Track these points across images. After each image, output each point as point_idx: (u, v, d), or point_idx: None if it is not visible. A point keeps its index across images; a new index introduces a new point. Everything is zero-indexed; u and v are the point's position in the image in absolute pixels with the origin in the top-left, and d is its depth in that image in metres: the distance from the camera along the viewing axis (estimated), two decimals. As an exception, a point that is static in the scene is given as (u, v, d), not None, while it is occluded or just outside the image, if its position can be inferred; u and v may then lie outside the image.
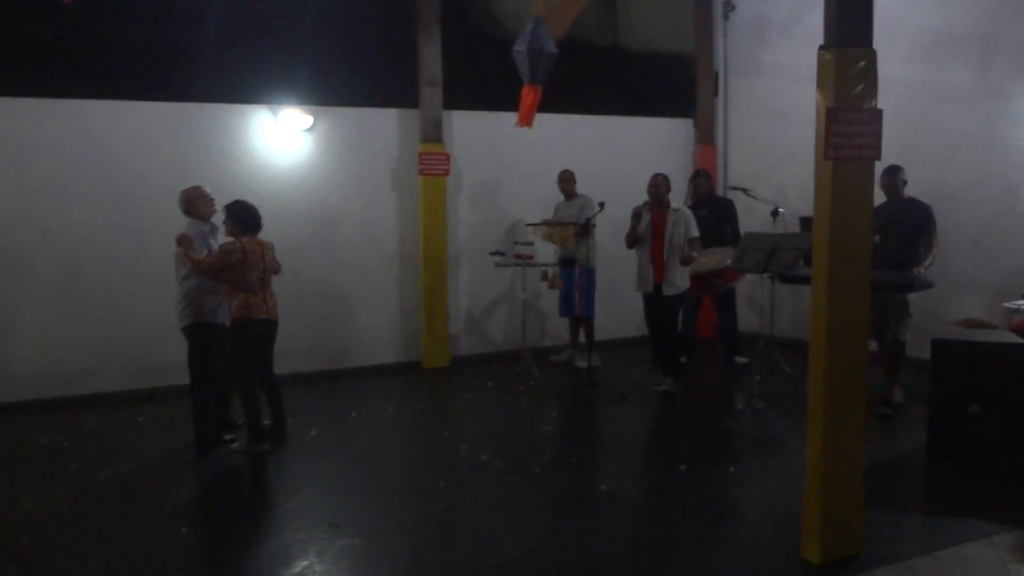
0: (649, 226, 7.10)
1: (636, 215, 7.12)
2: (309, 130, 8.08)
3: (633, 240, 7.17)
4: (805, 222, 6.80)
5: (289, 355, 8.01)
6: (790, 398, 7.09)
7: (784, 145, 9.36)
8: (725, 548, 4.42)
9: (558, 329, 9.21)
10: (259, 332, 6.11)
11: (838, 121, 3.89)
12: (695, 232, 7.05)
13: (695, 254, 7.07)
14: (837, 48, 3.92)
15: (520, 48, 6.32)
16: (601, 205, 7.48)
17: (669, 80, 9.90)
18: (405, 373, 8.48)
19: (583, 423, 7.00)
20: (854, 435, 4.15)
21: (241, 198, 6.24)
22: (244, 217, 6.12)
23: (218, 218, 6.27)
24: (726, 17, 9.81)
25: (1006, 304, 6.69)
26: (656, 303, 7.18)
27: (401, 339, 8.66)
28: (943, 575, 4.01)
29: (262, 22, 7.82)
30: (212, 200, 6.27)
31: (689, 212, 7.14)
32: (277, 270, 6.32)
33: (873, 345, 6.87)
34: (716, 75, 9.93)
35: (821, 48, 3.99)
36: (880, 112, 4.02)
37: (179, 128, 7.64)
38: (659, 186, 7.09)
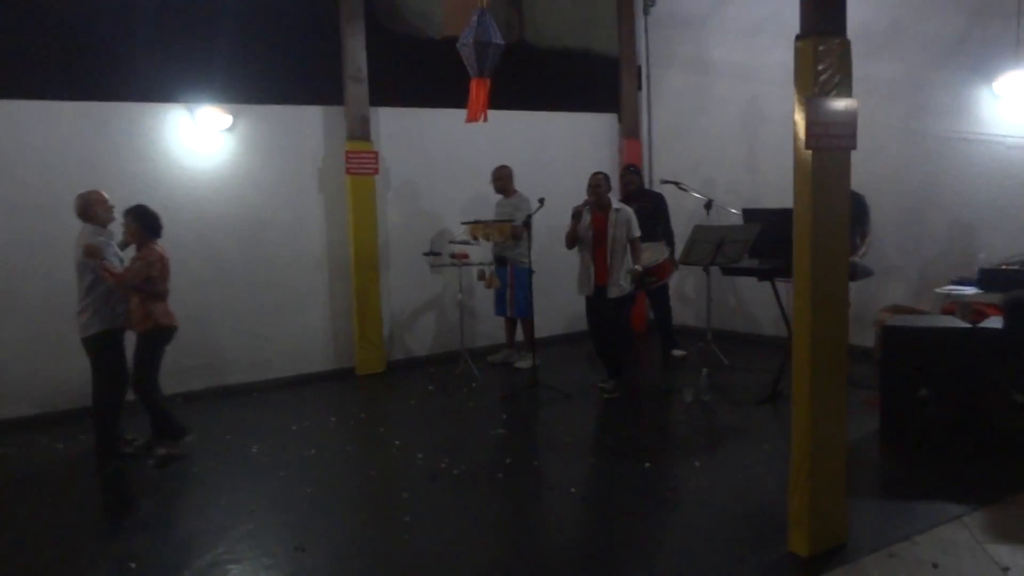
0: (590, 227, 6.96)
1: (576, 215, 6.95)
2: (229, 130, 7.63)
3: (573, 240, 7.03)
4: (749, 214, 6.85)
5: (215, 367, 7.64)
6: (735, 389, 7.16)
7: (709, 138, 9.49)
8: (710, 546, 4.35)
9: (492, 329, 9.04)
10: (170, 339, 6.05)
11: (818, 110, 3.88)
12: (637, 232, 6.93)
13: (639, 268, 6.94)
14: (814, 37, 3.89)
15: (466, 41, 6.11)
16: (541, 202, 7.35)
17: (593, 75, 9.87)
18: (339, 380, 8.14)
19: (534, 424, 6.85)
20: (837, 423, 4.16)
21: (141, 203, 5.96)
22: (152, 222, 5.92)
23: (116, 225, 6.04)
24: (647, 12, 9.85)
25: (937, 290, 6.91)
26: (599, 305, 7.04)
27: (333, 345, 8.32)
28: (926, 559, 4.05)
29: (177, 15, 7.33)
30: (112, 206, 5.99)
31: (631, 211, 6.96)
32: None
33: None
34: (639, 69, 9.96)
35: (797, 37, 3.96)
36: (856, 102, 4.02)
37: (87, 129, 7.06)
38: (600, 185, 6.90)
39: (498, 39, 6.18)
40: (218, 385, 7.63)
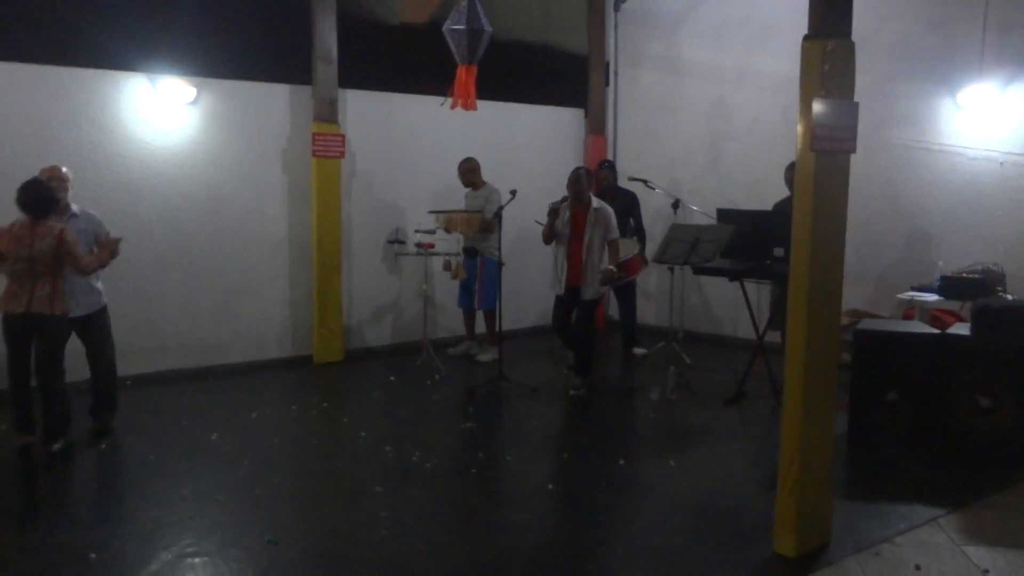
0: (568, 223, 6.85)
1: (554, 211, 6.84)
2: (192, 103, 7.33)
3: (550, 236, 6.93)
4: (723, 214, 6.87)
5: (170, 349, 7.37)
6: (700, 388, 7.16)
7: (675, 137, 9.51)
8: (694, 547, 4.32)
9: (451, 320, 8.92)
10: (13, 325, 5.36)
11: (824, 112, 3.87)
12: (615, 234, 6.84)
13: (612, 268, 6.84)
14: (823, 39, 3.89)
15: (458, 27, 5.96)
16: (513, 193, 7.24)
17: (561, 69, 9.79)
18: (297, 368, 7.91)
19: (503, 419, 6.76)
20: (827, 425, 4.17)
21: (34, 178, 5.43)
22: (21, 198, 5.32)
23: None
24: (617, 9, 9.82)
25: (900, 295, 7.06)
26: (570, 305, 6.95)
27: (291, 332, 8.08)
28: (907, 560, 4.10)
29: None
30: (61, 182, 5.59)
31: (611, 212, 6.88)
32: (79, 266, 5.45)
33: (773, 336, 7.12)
34: (607, 66, 9.93)
35: (805, 38, 3.96)
36: (857, 105, 4.04)
37: (41, 94, 6.70)
38: (580, 181, 6.77)
39: (488, 26, 6.06)
40: (172, 368, 7.36)
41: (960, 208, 7.43)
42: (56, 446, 5.45)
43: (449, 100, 6.66)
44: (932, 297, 6.87)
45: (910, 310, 7.09)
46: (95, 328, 5.87)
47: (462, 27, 5.96)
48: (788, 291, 4.10)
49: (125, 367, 6.99)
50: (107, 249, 5.66)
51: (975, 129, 7.32)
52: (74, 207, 5.71)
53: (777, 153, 7.86)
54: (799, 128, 3.95)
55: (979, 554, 4.16)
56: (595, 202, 6.83)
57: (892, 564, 4.07)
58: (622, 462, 5.47)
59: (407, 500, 4.85)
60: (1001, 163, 7.18)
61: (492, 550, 4.29)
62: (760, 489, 5.09)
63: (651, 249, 8.59)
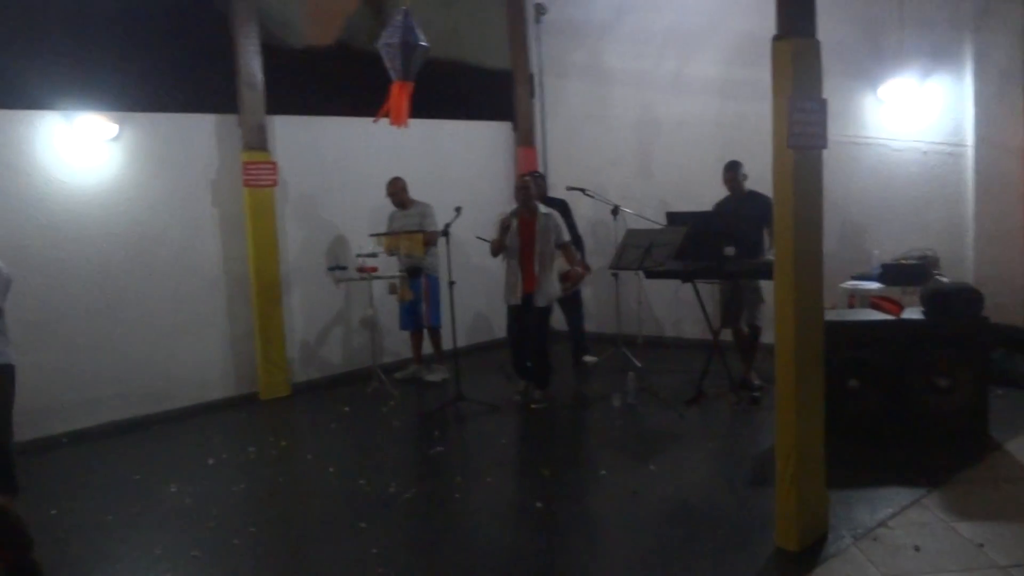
0: (517, 233, 6.82)
1: (505, 227, 6.77)
2: (114, 140, 6.94)
3: (499, 249, 6.88)
4: (672, 217, 6.92)
5: (105, 401, 6.94)
6: (658, 391, 7.18)
7: (604, 145, 9.58)
8: (696, 550, 4.31)
9: (394, 344, 8.73)
10: None
11: (798, 110, 3.94)
12: (566, 236, 6.88)
13: (579, 268, 6.92)
14: (792, 38, 3.95)
15: (392, 41, 5.82)
16: (458, 210, 7.13)
17: (486, 83, 9.75)
18: (244, 407, 7.55)
19: (470, 439, 6.62)
20: (818, 416, 4.23)
21: None
22: None
23: None
24: (538, 20, 9.83)
25: (842, 285, 7.26)
26: (525, 315, 6.89)
27: (234, 370, 7.72)
28: (906, 543, 4.18)
29: (50, 12, 6.61)
30: None
31: (559, 216, 6.91)
32: None
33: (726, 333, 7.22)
34: (532, 77, 9.94)
35: (776, 38, 4.02)
36: (826, 101, 4.13)
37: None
38: (527, 188, 6.79)
39: (423, 41, 5.96)
40: (110, 420, 6.91)
41: (889, 198, 7.71)
42: None
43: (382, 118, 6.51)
44: (874, 285, 7.10)
45: (852, 299, 7.31)
46: None
47: (396, 41, 5.83)
48: (769, 287, 4.15)
49: (59, 424, 6.64)
50: None
51: (897, 121, 7.63)
52: None
53: (707, 155, 8.04)
54: (774, 126, 4.00)
55: (970, 529, 4.28)
56: (543, 208, 6.83)
57: (892, 548, 4.14)
58: (603, 472, 5.43)
59: (395, 534, 4.68)
60: (924, 152, 7.50)
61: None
62: (743, 486, 5.16)
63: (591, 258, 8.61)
